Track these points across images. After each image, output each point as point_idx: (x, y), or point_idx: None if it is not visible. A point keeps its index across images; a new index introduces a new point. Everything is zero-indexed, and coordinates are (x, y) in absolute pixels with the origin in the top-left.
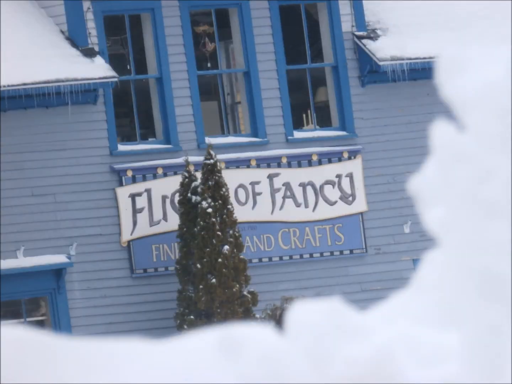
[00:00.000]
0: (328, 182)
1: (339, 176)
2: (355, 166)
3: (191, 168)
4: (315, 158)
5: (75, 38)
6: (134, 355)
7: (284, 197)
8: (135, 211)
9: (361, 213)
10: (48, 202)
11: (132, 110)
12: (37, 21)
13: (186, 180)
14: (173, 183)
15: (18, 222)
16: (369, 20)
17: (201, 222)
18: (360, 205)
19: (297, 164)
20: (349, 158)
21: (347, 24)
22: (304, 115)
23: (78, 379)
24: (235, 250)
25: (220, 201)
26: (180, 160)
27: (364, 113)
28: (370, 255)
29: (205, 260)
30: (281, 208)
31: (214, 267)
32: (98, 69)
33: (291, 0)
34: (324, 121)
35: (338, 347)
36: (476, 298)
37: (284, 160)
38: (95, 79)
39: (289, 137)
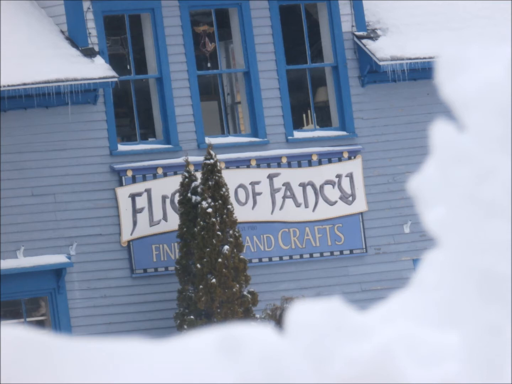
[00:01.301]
0: (328, 182)
1: (339, 176)
2: (355, 166)
3: (191, 168)
4: (315, 158)
5: (75, 38)
6: (134, 355)
7: (284, 197)
8: (135, 211)
9: (361, 213)
10: (48, 202)
11: (132, 110)
12: (37, 21)
13: (186, 180)
14: (173, 183)
15: (18, 222)
16: (369, 20)
17: (201, 222)
18: (360, 205)
19: (297, 164)
20: (349, 158)
21: (347, 24)
22: (304, 115)
23: (78, 379)
24: (235, 250)
25: (220, 201)
26: (180, 160)
27: (364, 113)
28: (370, 255)
29: (205, 260)
30: (281, 208)
31: (214, 267)
32: (98, 69)
33: (291, 0)
34: (324, 121)
35: (338, 347)
36: (476, 298)
37: (284, 160)
38: (95, 79)
39: (289, 137)
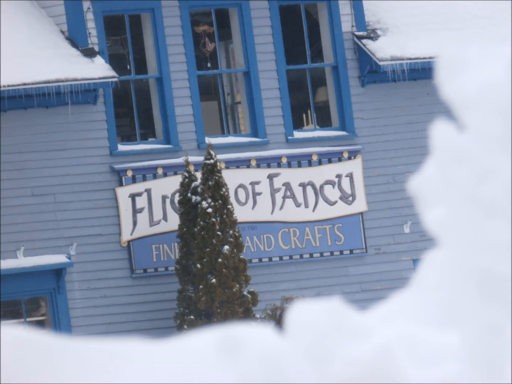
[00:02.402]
0: (328, 182)
1: (339, 176)
2: (355, 166)
3: (191, 168)
4: (315, 158)
5: (75, 38)
6: (134, 355)
7: (284, 197)
8: (135, 211)
9: (361, 213)
10: (48, 202)
11: (132, 110)
12: (37, 21)
13: (186, 180)
14: (173, 183)
15: (18, 222)
16: (369, 20)
17: (201, 222)
18: (360, 205)
19: (297, 164)
20: (349, 158)
21: (347, 24)
22: (304, 115)
23: (78, 379)
24: (235, 250)
25: (220, 201)
26: (180, 160)
27: (364, 113)
28: (370, 255)
29: (205, 260)
30: (281, 208)
31: (214, 267)
32: (98, 69)
33: (291, 0)
34: (324, 121)
35: (338, 347)
36: (476, 298)
37: (284, 160)
38: (95, 79)
39: (289, 137)
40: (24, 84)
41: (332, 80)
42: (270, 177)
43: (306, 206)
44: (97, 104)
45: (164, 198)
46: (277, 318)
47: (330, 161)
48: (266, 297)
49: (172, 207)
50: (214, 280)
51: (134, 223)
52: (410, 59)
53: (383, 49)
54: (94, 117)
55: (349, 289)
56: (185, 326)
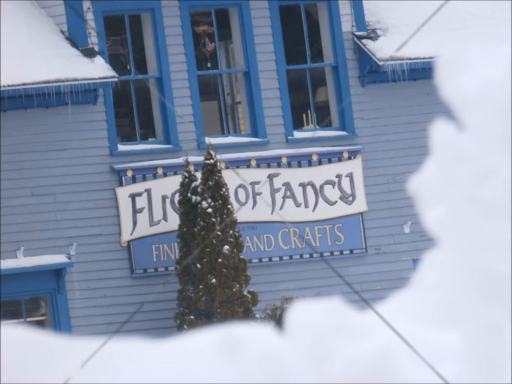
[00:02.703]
0: (328, 182)
1: (339, 176)
2: (355, 166)
3: (191, 168)
4: (315, 158)
5: (75, 38)
6: (134, 355)
7: (284, 197)
8: (135, 211)
9: (361, 213)
10: (48, 202)
11: (132, 110)
12: (37, 21)
13: (186, 180)
14: (173, 183)
15: (18, 222)
16: (369, 20)
17: (201, 222)
18: (360, 205)
19: (297, 164)
20: (349, 158)
21: (347, 24)
22: (304, 115)
23: (78, 379)
24: (235, 250)
25: (220, 201)
26: (180, 160)
27: (364, 113)
28: (370, 255)
29: (205, 260)
30: (281, 208)
31: (214, 267)
32: (98, 69)
33: (291, 0)
34: (324, 121)
35: (338, 347)
36: (476, 298)
37: (284, 160)
38: (95, 79)
39: (289, 137)
40: (24, 84)
41: (332, 80)
42: (270, 177)
43: (306, 206)
44: (97, 104)
45: (164, 198)
46: (277, 318)
47: (330, 161)
48: (266, 297)
49: (172, 207)
50: (214, 280)
51: (134, 223)
52: (410, 59)
53: (383, 49)
54: (94, 117)
55: (349, 289)
56: (185, 326)
